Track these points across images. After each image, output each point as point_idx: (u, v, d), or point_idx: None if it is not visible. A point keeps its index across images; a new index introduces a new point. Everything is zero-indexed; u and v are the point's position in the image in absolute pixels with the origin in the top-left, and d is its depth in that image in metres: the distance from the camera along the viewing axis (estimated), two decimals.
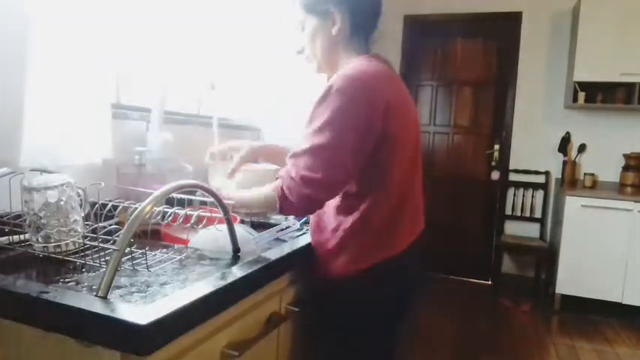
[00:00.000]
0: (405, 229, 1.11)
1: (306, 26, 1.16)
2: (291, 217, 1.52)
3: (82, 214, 0.98)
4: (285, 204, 1.04)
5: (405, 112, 1.09)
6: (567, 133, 3.80)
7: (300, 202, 1.01)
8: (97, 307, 0.67)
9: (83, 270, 0.91)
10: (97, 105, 1.28)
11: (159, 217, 1.04)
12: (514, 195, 4.01)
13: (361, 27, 1.15)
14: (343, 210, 1.09)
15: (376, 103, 1.01)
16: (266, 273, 0.96)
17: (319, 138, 0.99)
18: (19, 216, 0.96)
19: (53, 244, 0.93)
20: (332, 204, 1.11)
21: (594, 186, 3.67)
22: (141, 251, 0.89)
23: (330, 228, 1.11)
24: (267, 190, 1.07)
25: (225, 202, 0.99)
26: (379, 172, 1.05)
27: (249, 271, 0.90)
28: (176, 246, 1.11)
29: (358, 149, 1.01)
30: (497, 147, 4.06)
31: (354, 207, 1.07)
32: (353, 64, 1.07)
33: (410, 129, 1.10)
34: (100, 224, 0.99)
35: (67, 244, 0.93)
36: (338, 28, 1.12)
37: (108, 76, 1.31)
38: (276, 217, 1.57)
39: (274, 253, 1.03)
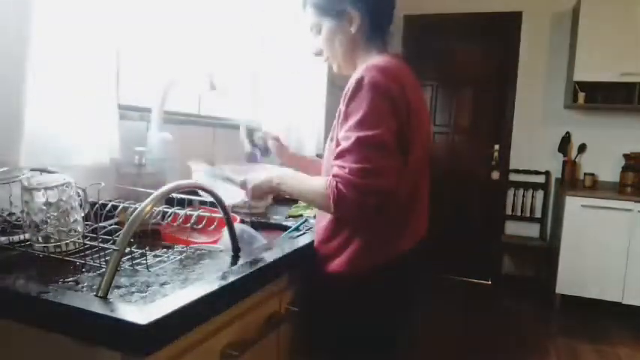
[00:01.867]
0: (410, 230, 1.12)
1: (322, 29, 1.15)
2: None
3: (82, 214, 0.98)
4: (342, 202, 0.97)
5: (421, 114, 1.09)
6: (567, 133, 3.80)
7: (357, 196, 0.95)
8: (97, 307, 0.67)
9: (83, 270, 0.91)
10: (103, 105, 1.28)
11: (159, 217, 1.04)
12: (514, 195, 4.00)
13: (378, 23, 1.14)
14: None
15: (403, 94, 1.01)
16: (266, 273, 0.96)
17: (362, 131, 0.97)
18: (19, 216, 0.96)
19: (53, 244, 0.92)
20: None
21: (594, 186, 3.67)
22: (141, 251, 0.90)
23: (333, 227, 1.10)
24: (321, 186, 1.01)
25: (226, 202, 0.98)
26: None
27: (249, 271, 0.90)
28: (176, 246, 1.11)
29: (400, 134, 1.01)
30: (497, 147, 4.06)
31: None
32: (377, 59, 1.06)
33: (422, 131, 1.09)
34: (100, 224, 0.99)
35: (67, 244, 0.93)
36: (357, 27, 1.12)
37: (110, 76, 1.31)
38: (275, 217, 1.57)
39: (274, 253, 1.03)
